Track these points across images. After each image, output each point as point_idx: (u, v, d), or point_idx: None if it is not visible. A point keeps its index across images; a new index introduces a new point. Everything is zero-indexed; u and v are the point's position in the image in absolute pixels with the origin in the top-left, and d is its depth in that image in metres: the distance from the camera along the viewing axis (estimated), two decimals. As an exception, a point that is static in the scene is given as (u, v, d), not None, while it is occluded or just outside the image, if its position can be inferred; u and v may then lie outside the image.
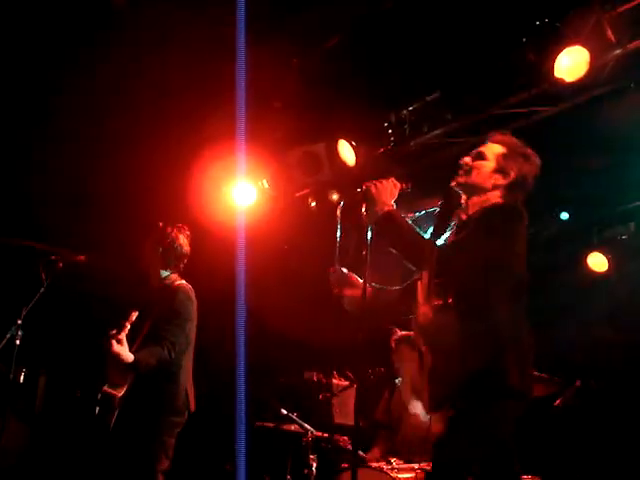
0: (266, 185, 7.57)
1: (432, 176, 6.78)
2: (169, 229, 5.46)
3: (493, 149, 3.85)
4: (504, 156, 3.81)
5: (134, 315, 4.95)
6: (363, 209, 3.74)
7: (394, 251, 3.60)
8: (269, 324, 7.43)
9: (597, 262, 7.57)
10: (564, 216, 7.52)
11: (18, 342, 5.16)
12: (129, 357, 4.85)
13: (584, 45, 5.20)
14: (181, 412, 5.10)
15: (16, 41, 6.00)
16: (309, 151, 7.02)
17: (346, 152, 6.78)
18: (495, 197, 3.77)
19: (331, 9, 5.69)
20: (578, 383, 5.97)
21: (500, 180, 3.78)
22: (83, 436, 5.94)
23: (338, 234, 3.80)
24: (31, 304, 5.22)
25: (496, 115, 6.27)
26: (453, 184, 3.87)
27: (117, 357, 4.83)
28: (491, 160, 3.81)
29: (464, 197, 3.86)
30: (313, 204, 7.57)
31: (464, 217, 3.81)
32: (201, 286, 7.13)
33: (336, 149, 6.81)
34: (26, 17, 5.84)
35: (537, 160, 3.86)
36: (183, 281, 5.38)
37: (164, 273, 5.40)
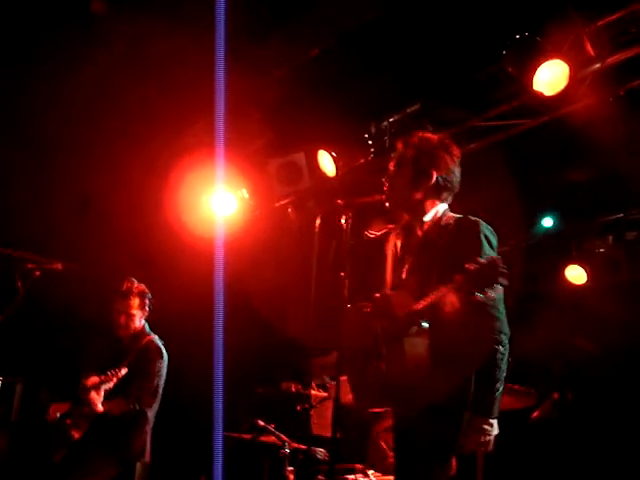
0: (246, 195, 7.54)
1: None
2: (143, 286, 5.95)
3: (405, 157, 3.85)
4: (417, 160, 3.80)
5: (123, 371, 5.39)
6: (343, 220, 3.73)
7: None
8: (247, 334, 7.39)
9: (575, 274, 7.60)
10: (547, 223, 7.51)
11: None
12: (99, 408, 5.36)
13: (564, 59, 5.22)
14: (134, 459, 5.65)
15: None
16: (289, 161, 7.01)
17: (326, 162, 6.77)
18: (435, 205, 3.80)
19: (312, 21, 5.69)
20: (556, 396, 5.98)
21: (427, 185, 3.78)
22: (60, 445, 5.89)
23: (316, 245, 3.79)
24: (7, 312, 5.18)
25: (476, 127, 6.29)
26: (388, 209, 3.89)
27: (91, 404, 5.34)
28: (403, 174, 3.81)
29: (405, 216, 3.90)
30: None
31: (420, 233, 3.81)
32: (179, 296, 7.12)
33: (316, 159, 6.80)
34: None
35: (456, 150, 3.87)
36: (153, 336, 5.90)
37: (142, 323, 5.93)
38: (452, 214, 3.82)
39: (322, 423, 6.22)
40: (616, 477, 6.49)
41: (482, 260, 3.22)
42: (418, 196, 3.80)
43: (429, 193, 3.81)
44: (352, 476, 5.44)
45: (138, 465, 5.71)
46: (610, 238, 7.53)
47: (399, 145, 3.92)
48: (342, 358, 3.69)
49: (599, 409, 6.91)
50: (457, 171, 3.85)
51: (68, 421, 5.58)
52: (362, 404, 4.03)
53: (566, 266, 7.61)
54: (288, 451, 5.71)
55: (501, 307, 3.57)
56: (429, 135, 3.95)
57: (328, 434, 6.14)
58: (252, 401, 6.80)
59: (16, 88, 6.08)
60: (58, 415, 5.68)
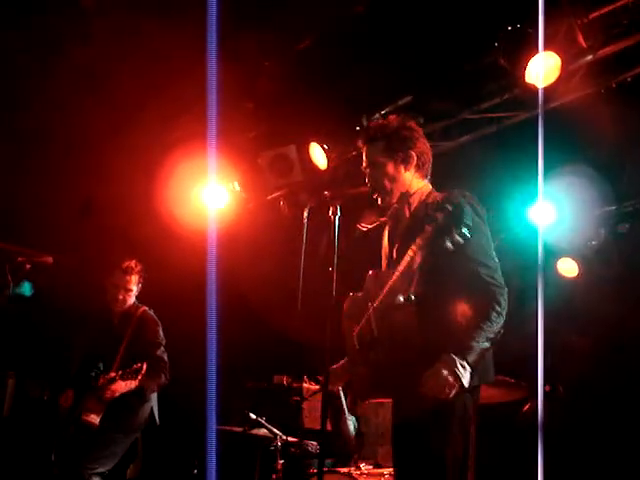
0: (237, 187, 7.52)
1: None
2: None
3: (374, 149, 3.82)
4: (388, 148, 3.78)
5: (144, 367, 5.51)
6: (330, 212, 3.72)
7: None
8: (239, 327, 7.38)
9: (567, 267, 7.59)
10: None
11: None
12: (131, 385, 5.59)
13: (556, 51, 5.21)
14: (141, 428, 5.94)
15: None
16: (281, 153, 6.99)
17: (318, 155, 6.75)
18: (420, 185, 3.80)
19: (304, 12, 5.66)
20: (547, 388, 5.97)
21: (408, 167, 3.77)
22: (50, 439, 5.90)
23: (304, 237, 3.79)
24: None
25: (468, 120, 6.29)
26: (380, 204, 3.86)
27: (120, 393, 5.59)
28: (381, 165, 3.79)
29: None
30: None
31: (407, 214, 3.79)
32: (171, 289, 7.10)
33: (308, 152, 6.79)
34: None
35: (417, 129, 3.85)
36: (144, 307, 6.14)
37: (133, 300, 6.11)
38: (438, 192, 3.80)
39: (314, 416, 6.22)
40: (606, 468, 6.51)
41: (449, 206, 3.23)
42: (402, 179, 3.78)
43: (412, 174, 3.80)
44: (344, 469, 5.45)
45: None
46: (602, 231, 7.52)
47: (360, 143, 3.90)
48: (329, 350, 3.65)
49: (590, 402, 6.92)
50: (427, 144, 3.86)
51: (84, 409, 5.71)
52: (363, 395, 4.01)
53: (558, 259, 7.61)
54: (280, 444, 5.72)
55: (497, 276, 3.54)
56: (382, 122, 3.92)
57: (319, 427, 6.17)
58: (244, 394, 6.80)
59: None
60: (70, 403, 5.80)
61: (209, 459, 3.10)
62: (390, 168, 3.77)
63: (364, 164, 3.88)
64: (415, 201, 3.78)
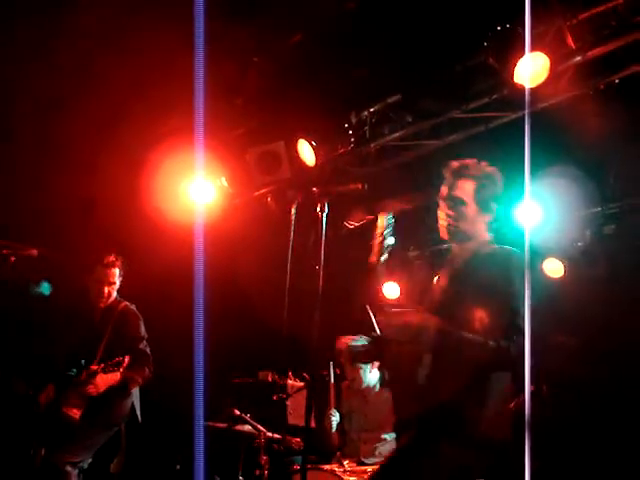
0: (225, 183, 7.51)
1: (391, 178, 6.83)
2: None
3: (465, 189, 3.83)
4: (479, 192, 3.81)
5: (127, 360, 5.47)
6: (318, 209, 3.72)
7: None
8: (225, 323, 7.37)
9: (553, 268, 7.62)
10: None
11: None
12: (115, 378, 5.54)
13: (545, 51, 5.22)
14: (121, 422, 5.88)
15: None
16: (269, 150, 6.97)
17: (306, 152, 6.74)
18: (484, 234, 3.85)
19: (293, 7, 5.65)
20: (532, 388, 5.99)
21: (486, 218, 3.81)
22: (30, 433, 5.88)
23: (292, 233, 3.78)
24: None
25: (456, 119, 6.29)
26: (443, 237, 3.88)
27: (104, 388, 5.54)
28: (470, 203, 3.80)
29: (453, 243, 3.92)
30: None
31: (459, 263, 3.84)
32: (158, 285, 7.08)
33: (296, 148, 6.78)
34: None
35: (499, 175, 3.88)
36: (124, 301, 6.06)
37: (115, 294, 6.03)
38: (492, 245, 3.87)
39: (298, 413, 6.22)
40: (592, 467, 6.54)
41: None
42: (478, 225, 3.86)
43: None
44: (327, 466, 5.45)
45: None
46: (588, 232, 7.55)
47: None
48: (314, 348, 3.64)
49: (575, 401, 6.95)
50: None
51: (65, 403, 5.67)
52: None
53: (544, 259, 7.63)
54: (263, 440, 5.72)
55: None
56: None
57: (303, 423, 6.18)
58: (229, 390, 6.79)
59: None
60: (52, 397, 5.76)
61: (197, 455, 3.10)
62: (474, 214, 3.90)
63: (448, 198, 3.93)
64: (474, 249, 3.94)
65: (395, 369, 4.00)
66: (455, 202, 3.82)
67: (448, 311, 3.55)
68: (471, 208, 3.80)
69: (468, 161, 3.93)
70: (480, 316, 3.47)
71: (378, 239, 3.86)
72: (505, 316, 3.49)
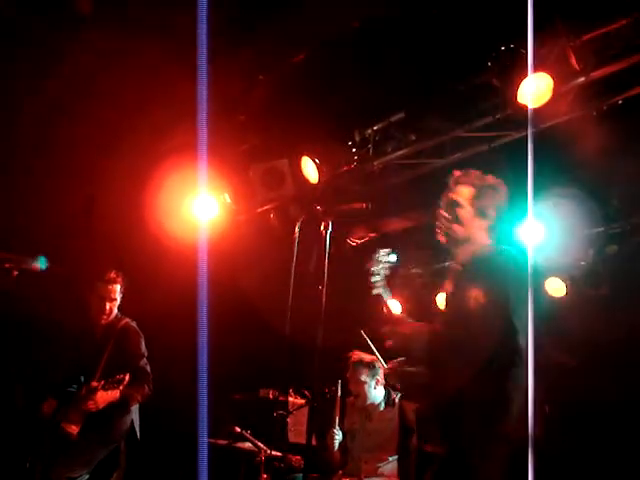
0: (228, 199, 7.52)
1: (394, 196, 6.84)
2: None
3: (463, 193, 3.87)
4: (477, 198, 3.85)
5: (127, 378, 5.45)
6: (322, 227, 3.73)
7: None
8: (226, 339, 7.36)
9: (555, 287, 7.61)
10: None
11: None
12: (114, 396, 5.51)
13: (548, 72, 5.23)
14: (120, 439, 5.80)
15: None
16: (272, 167, 6.99)
17: (309, 169, 6.76)
18: (482, 239, 3.86)
19: (298, 26, 5.68)
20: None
21: (484, 223, 3.83)
22: (28, 447, 5.87)
23: (295, 250, 3.79)
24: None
25: (460, 138, 6.30)
26: (439, 239, 3.91)
27: (103, 405, 5.50)
28: (466, 206, 3.84)
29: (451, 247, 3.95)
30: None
31: (458, 267, 3.86)
32: (161, 301, 7.07)
33: (299, 166, 6.79)
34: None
35: (503, 187, 3.91)
36: (126, 318, 6.03)
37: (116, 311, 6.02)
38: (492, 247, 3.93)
39: (299, 430, 6.20)
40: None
41: None
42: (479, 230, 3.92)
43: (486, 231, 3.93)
44: (328, 484, 5.44)
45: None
46: (591, 252, 7.55)
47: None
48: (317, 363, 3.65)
49: (576, 420, 6.93)
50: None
51: (64, 418, 5.64)
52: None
53: (546, 278, 7.63)
54: (264, 458, 5.70)
55: None
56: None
57: (304, 441, 6.16)
58: (230, 406, 6.77)
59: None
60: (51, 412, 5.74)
61: (201, 472, 3.09)
62: (471, 216, 4.00)
63: (444, 202, 4.03)
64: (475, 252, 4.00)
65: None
66: (451, 205, 3.88)
67: (457, 314, 3.60)
68: (466, 211, 3.86)
69: (472, 171, 3.98)
70: (480, 315, 3.49)
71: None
72: (505, 316, 3.53)
